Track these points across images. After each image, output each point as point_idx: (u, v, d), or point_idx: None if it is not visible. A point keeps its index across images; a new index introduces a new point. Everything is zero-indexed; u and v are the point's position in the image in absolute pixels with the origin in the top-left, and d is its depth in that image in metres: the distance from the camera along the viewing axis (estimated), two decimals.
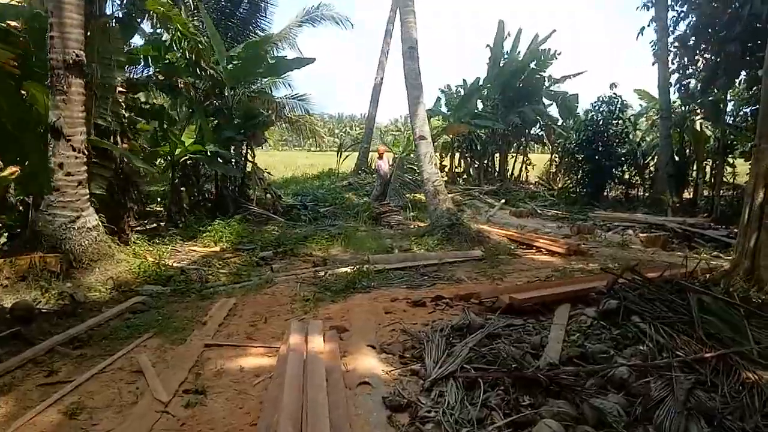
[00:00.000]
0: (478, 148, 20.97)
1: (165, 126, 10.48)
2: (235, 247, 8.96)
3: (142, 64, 11.89)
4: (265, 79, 21.79)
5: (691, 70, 13.81)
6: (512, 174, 23.38)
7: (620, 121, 16.43)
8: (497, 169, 22.68)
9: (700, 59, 13.07)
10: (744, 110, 14.68)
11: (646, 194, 16.79)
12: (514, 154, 23.97)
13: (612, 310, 5.59)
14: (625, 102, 16.39)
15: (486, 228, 10.88)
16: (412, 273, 7.81)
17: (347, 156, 22.17)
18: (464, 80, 21.62)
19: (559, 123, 23.01)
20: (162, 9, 9.53)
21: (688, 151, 16.53)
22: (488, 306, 6.01)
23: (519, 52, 21.43)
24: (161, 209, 11.87)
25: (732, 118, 15.43)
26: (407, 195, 15.11)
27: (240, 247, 8.91)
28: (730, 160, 15.32)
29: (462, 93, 21.10)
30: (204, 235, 9.39)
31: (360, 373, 4.17)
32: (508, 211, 14.42)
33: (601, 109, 16.29)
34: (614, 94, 16.28)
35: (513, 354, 4.38)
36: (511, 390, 3.83)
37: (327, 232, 10.40)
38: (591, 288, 6.20)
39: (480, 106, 22.26)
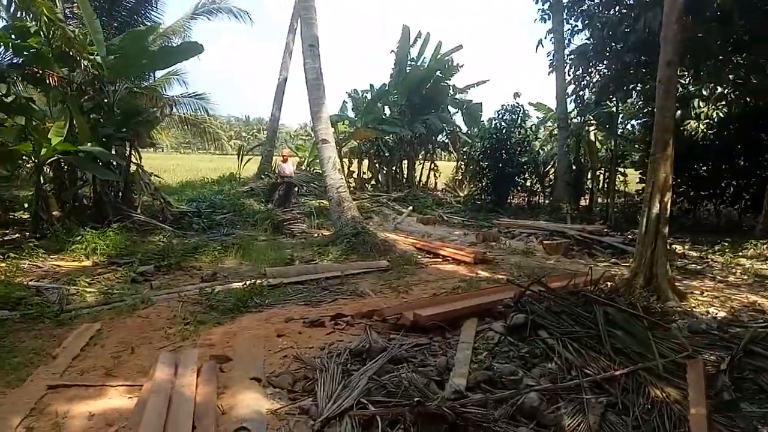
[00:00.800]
0: (386, 154, 20.70)
1: (34, 123, 9.13)
2: (111, 261, 7.88)
3: (2, 50, 10.40)
4: (159, 75, 20.32)
5: (586, 82, 14.32)
6: (420, 181, 23.39)
7: (522, 130, 16.81)
8: (405, 176, 22.57)
9: (595, 71, 13.55)
10: (632, 123, 15.49)
11: (547, 202, 17.30)
12: (422, 161, 24.05)
13: (519, 325, 5.32)
14: (526, 111, 16.83)
15: (392, 236, 10.49)
16: (312, 287, 7.20)
17: (249, 159, 21.06)
18: (371, 85, 21.35)
19: (464, 131, 23.36)
20: None
21: (583, 160, 17.21)
22: (393, 324, 5.56)
23: (424, 58, 21.50)
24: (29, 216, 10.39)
25: (621, 130, 16.24)
26: (313, 202, 14.46)
27: (116, 261, 7.84)
28: (622, 170, 16.11)
29: (369, 98, 20.76)
30: (74, 247, 8.20)
31: (239, 414, 3.52)
32: (415, 218, 14.19)
33: (504, 118, 16.57)
34: (517, 103, 16.66)
35: (416, 382, 3.91)
36: (412, 428, 3.34)
37: (221, 243, 9.52)
38: (498, 300, 5.93)
39: (387, 111, 22.10)
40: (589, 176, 17.24)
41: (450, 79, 22.00)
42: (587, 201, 17.29)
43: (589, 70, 13.85)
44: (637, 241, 7.13)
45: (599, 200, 16.91)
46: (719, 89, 10.92)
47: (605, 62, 13.08)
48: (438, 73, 21.46)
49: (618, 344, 4.74)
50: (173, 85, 24.41)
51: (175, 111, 22.39)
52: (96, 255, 8.14)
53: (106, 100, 10.74)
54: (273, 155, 20.08)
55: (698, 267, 9.49)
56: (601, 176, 17.03)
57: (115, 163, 10.48)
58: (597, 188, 16.81)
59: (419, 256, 9.39)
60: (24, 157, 9.39)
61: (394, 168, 22.47)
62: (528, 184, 17.36)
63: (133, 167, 11.35)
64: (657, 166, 6.80)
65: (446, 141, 23.47)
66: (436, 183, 23.30)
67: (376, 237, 9.45)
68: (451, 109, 23.32)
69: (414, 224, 13.58)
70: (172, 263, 8.03)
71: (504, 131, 16.19)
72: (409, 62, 21.50)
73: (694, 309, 6.46)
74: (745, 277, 8.75)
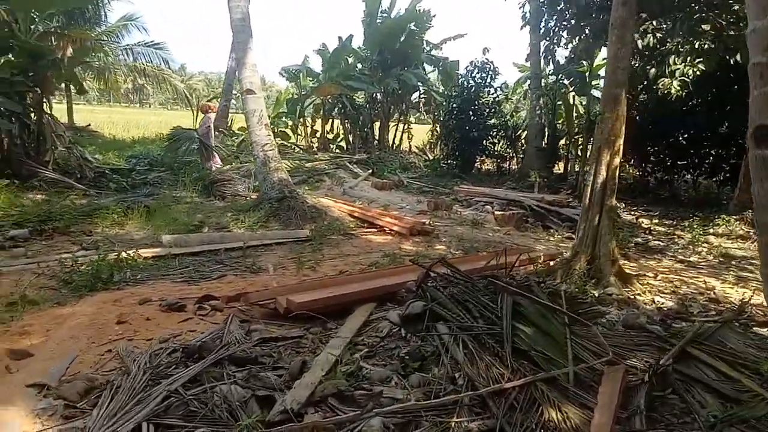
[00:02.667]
0: (351, 112, 19.43)
1: None
2: None
3: None
4: (114, 20, 18.81)
5: (559, 37, 13.10)
6: (393, 143, 22.22)
7: (492, 90, 15.64)
8: (376, 137, 21.39)
9: (568, 24, 12.33)
10: None
11: (516, 168, 16.29)
12: (396, 122, 22.79)
13: (416, 315, 4.40)
14: (496, 69, 15.59)
15: (327, 202, 9.49)
16: (206, 259, 6.25)
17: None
18: (339, 37, 19.87)
19: (441, 90, 22.07)
20: None
21: (559, 124, 16.14)
22: (271, 310, 4.63)
23: (399, 10, 20.07)
24: None
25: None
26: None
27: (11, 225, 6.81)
28: None
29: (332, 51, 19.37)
30: None
31: None
32: (371, 183, 13.17)
33: (473, 76, 15.36)
34: (486, 59, 15.43)
35: (232, 398, 2.99)
36: None
37: (133, 204, 8.48)
38: (403, 283, 5.01)
39: (359, 67, 20.74)
40: (564, 142, 16.19)
41: (425, 33, 20.62)
42: (562, 168, 16.30)
43: (563, 23, 12.62)
44: (580, 215, 6.18)
45: (576, 168, 15.92)
46: (697, 44, 9.80)
47: (576, 13, 11.86)
48: (412, 25, 20.04)
49: (523, 345, 3.83)
50: (132, 32, 22.90)
51: (126, 59, 21.08)
52: None
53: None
54: (229, 110, 18.80)
55: (662, 244, 8.59)
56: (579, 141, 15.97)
57: (16, 113, 9.29)
58: (574, 155, 15.74)
59: (352, 226, 8.41)
60: None
61: (365, 129, 21.27)
62: (498, 148, 16.26)
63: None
64: (604, 127, 5.79)
65: (421, 101, 22.19)
66: (410, 146, 22.15)
67: (305, 203, 8.44)
68: (428, 68, 21.99)
69: (368, 189, 12.58)
70: (58, 227, 7.01)
71: (472, 91, 15.00)
72: (380, 14, 20.06)
73: (638, 297, 5.56)
74: (710, 257, 7.87)
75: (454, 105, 15.27)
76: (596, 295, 5.38)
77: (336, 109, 19.73)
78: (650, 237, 9.00)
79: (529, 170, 14.59)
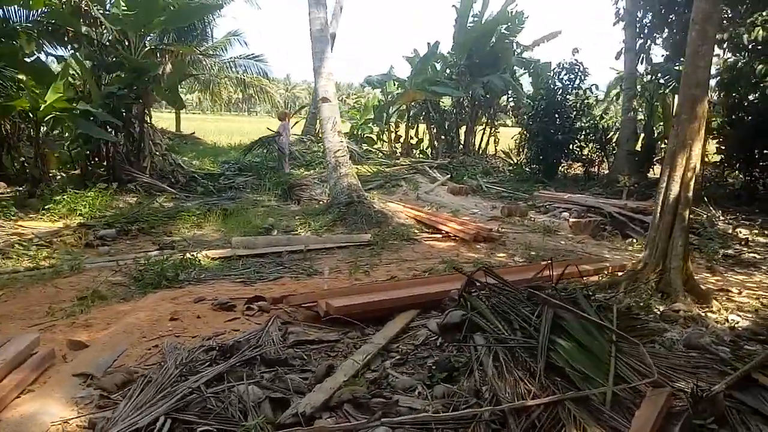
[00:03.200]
0: (435, 117, 19.32)
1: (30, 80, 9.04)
2: (82, 223, 7.61)
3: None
4: (220, 37, 20.08)
5: (657, 34, 12.24)
6: (480, 147, 21.84)
7: (580, 91, 14.89)
8: (461, 142, 21.15)
9: (666, 20, 11.48)
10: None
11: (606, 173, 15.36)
12: (484, 127, 22.34)
13: (454, 324, 4.33)
14: (585, 69, 14.79)
15: (394, 207, 9.53)
16: (269, 261, 6.51)
17: (297, 122, 20.57)
18: (428, 44, 19.89)
19: (532, 93, 21.38)
20: None
21: (656, 127, 15.06)
22: (314, 313, 4.74)
23: (491, 12, 19.72)
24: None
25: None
26: None
27: (87, 224, 7.55)
28: None
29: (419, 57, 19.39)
30: (51, 207, 8.03)
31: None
32: (447, 188, 13.04)
33: (561, 77, 14.74)
34: (575, 60, 14.73)
35: (249, 398, 3.09)
36: None
37: (214, 207, 9.05)
38: (448, 291, 4.92)
39: (446, 72, 20.63)
40: (662, 145, 15.05)
41: (516, 36, 20.12)
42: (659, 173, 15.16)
43: (659, 18, 11.79)
44: (650, 225, 5.73)
45: None
46: None
47: (676, 9, 11.01)
48: (503, 28, 19.65)
49: (559, 361, 3.63)
50: (234, 45, 24.43)
51: (231, 71, 22.44)
52: (73, 216, 7.93)
53: (115, 59, 10.50)
54: (317, 117, 19.41)
55: (758, 257, 7.76)
56: None
57: (121, 123, 10.23)
58: None
59: (417, 231, 8.39)
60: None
61: (450, 134, 21.10)
62: (586, 152, 15.42)
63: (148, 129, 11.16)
64: (680, 130, 5.34)
65: (510, 105, 21.64)
66: (496, 150, 21.65)
67: (372, 207, 8.54)
68: (519, 71, 21.41)
69: (443, 194, 12.47)
70: (143, 228, 7.64)
71: (560, 92, 14.38)
72: (472, 17, 19.83)
73: (710, 314, 5.06)
74: None
75: (539, 107, 14.71)
76: (660, 311, 4.97)
77: (421, 114, 19.73)
78: (745, 249, 8.15)
79: (619, 175, 13.74)
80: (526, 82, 22.74)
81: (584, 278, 6.02)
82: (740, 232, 9.26)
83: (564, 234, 8.87)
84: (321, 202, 10.15)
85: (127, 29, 11.01)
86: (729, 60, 11.61)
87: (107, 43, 11.26)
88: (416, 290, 4.93)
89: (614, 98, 16.08)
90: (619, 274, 6.19)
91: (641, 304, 5.11)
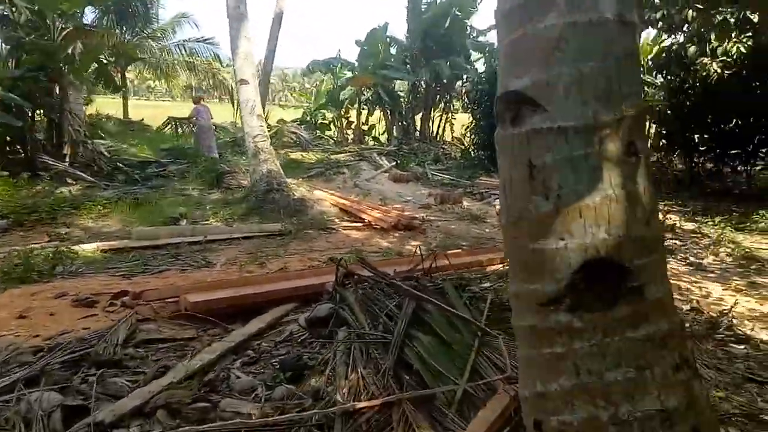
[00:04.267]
0: (389, 103, 19.00)
1: None
2: None
3: None
4: (168, 18, 19.26)
5: None
6: (436, 134, 21.62)
7: None
8: (417, 128, 20.90)
9: None
10: None
11: None
12: (441, 114, 22.08)
13: (321, 319, 4.10)
14: None
15: (319, 195, 9.25)
16: (164, 253, 6.17)
17: None
18: (378, 26, 19.51)
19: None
20: None
21: None
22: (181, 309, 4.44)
23: None
24: None
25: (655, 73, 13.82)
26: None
27: None
28: None
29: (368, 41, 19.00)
30: None
31: None
32: (388, 175, 12.78)
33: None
34: None
35: (40, 407, 2.78)
36: None
37: (131, 196, 8.65)
38: (325, 283, 4.67)
39: (401, 56, 20.30)
40: None
41: (469, 18, 19.91)
42: None
43: None
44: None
45: None
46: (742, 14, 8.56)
47: None
48: (455, 10, 19.38)
49: (412, 357, 3.41)
50: (183, 27, 23.65)
51: (178, 56, 21.74)
52: None
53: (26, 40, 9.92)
54: (266, 101, 18.90)
55: (679, 243, 7.69)
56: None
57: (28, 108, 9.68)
58: None
59: (336, 220, 8.13)
60: None
61: (406, 120, 20.84)
62: None
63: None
64: None
65: (464, 90, 21.41)
66: (452, 137, 21.46)
67: (291, 195, 8.24)
68: (475, 55, 21.17)
69: (384, 182, 12.22)
70: (42, 219, 7.21)
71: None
72: (426, 0, 19.54)
73: None
74: (730, 260, 6.94)
75: (482, 92, 14.46)
76: None
77: (374, 100, 19.37)
78: (668, 235, 8.07)
79: None
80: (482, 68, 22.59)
81: (487, 267, 5.85)
82: (669, 219, 9.20)
83: (492, 221, 8.69)
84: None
85: (43, 8, 10.41)
86: (663, 41, 11.52)
87: (21, 23, 10.66)
88: (295, 282, 4.66)
89: None
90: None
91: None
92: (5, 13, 10.45)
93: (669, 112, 12.25)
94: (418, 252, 6.51)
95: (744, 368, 3.81)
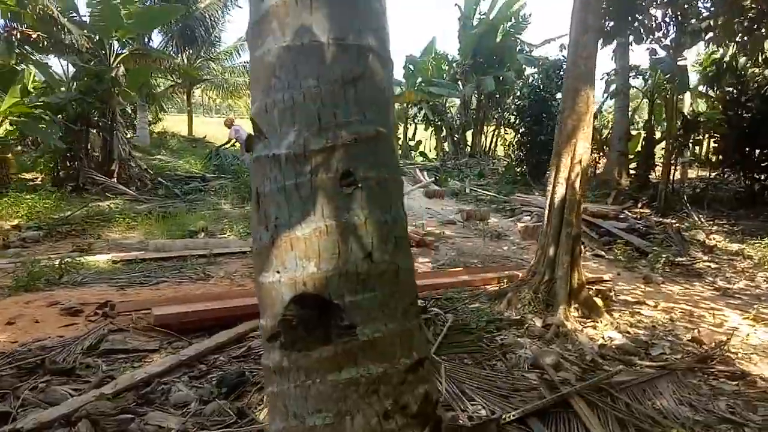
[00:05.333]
0: (434, 119, 18.90)
1: None
2: (18, 225, 7.72)
3: None
4: (230, 42, 20.15)
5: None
6: (489, 149, 21.28)
7: None
8: (468, 144, 20.65)
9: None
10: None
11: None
12: (494, 128, 21.69)
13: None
14: None
15: None
16: (170, 265, 6.39)
17: None
18: (429, 44, 19.53)
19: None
20: None
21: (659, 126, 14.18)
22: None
23: (496, 11, 19.18)
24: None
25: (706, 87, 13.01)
26: None
27: (20, 225, 7.67)
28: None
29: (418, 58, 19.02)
30: None
31: None
32: (423, 191, 12.64)
33: (548, 73, 14.07)
34: (563, 56, 14.01)
35: None
36: None
37: (165, 210, 9.07)
38: None
39: (450, 72, 20.21)
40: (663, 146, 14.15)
41: (521, 33, 19.56)
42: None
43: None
44: (540, 231, 5.28)
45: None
46: None
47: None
48: (507, 25, 19.11)
49: None
50: (246, 51, 24.73)
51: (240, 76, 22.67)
52: (12, 218, 8.06)
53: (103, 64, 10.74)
54: None
55: (712, 266, 7.09)
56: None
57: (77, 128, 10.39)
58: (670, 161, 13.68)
59: None
60: None
61: (455, 135, 20.65)
62: None
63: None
64: (565, 128, 4.88)
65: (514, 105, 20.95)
66: (505, 151, 21.00)
67: None
68: (530, 70, 20.72)
69: (417, 198, 12.10)
70: (73, 230, 7.69)
71: (546, 90, 13.68)
72: (479, 16, 19.37)
73: (590, 330, 4.59)
74: (766, 285, 6.31)
75: (525, 107, 14.04)
76: (534, 324, 4.54)
77: (419, 115, 19.36)
78: (704, 257, 7.47)
79: (607, 177, 13.00)
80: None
81: (480, 287, 5.64)
82: (713, 239, 8.53)
83: (512, 239, 8.40)
84: None
85: (100, 35, 11.22)
86: (714, 53, 10.76)
87: (83, 50, 11.52)
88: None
89: (608, 96, 15.22)
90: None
91: (515, 317, 4.70)
92: (72, 41, 11.29)
93: (725, 126, 11.41)
94: (435, 268, 6.39)
95: (725, 407, 3.43)
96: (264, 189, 1.54)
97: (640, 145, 14.09)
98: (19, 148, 11.61)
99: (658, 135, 14.02)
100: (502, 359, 3.95)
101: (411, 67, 18.23)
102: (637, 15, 8.14)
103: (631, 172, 13.74)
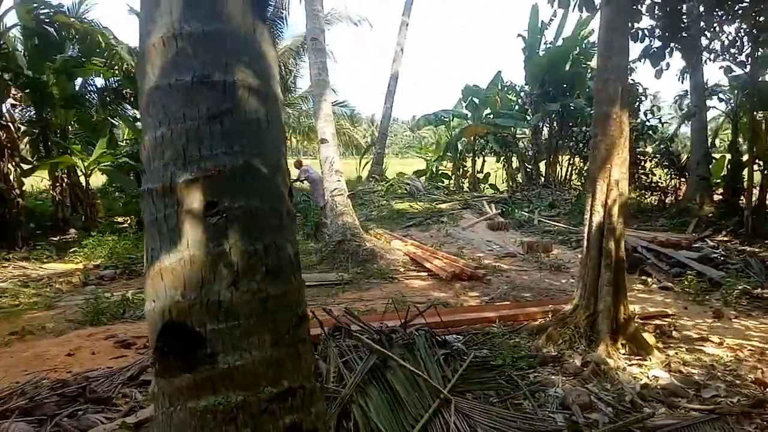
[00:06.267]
0: (502, 150, 18.63)
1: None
2: (96, 265, 8.43)
3: None
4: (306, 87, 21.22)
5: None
6: (565, 178, 20.61)
7: (645, 114, 13.46)
8: (542, 174, 20.13)
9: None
10: None
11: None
12: (569, 157, 21.02)
13: None
14: (646, 89, 13.35)
15: (398, 244, 9.30)
16: None
17: (368, 161, 20.90)
18: (497, 75, 19.45)
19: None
20: None
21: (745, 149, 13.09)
22: None
23: (561, 36, 18.87)
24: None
25: None
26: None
27: (99, 265, 8.36)
28: None
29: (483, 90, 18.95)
30: (77, 250, 8.98)
31: None
32: (486, 224, 12.40)
33: None
34: (632, 80, 13.38)
35: None
36: None
37: None
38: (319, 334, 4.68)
39: (519, 103, 19.98)
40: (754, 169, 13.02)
41: (591, 59, 18.98)
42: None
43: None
44: (581, 262, 5.01)
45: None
46: None
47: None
48: (575, 53, 18.69)
49: (357, 416, 3.32)
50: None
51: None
52: (94, 259, 8.79)
53: None
54: (383, 156, 19.64)
55: None
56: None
57: None
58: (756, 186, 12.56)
59: (402, 269, 8.11)
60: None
61: (527, 166, 20.22)
62: (659, 179, 13.71)
63: None
64: (599, 153, 4.67)
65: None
66: (580, 182, 20.24)
67: (362, 246, 8.44)
68: None
69: (480, 230, 11.90)
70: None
71: None
72: (545, 45, 19.14)
73: (634, 368, 4.26)
74: None
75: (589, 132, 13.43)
76: (571, 361, 4.28)
77: (486, 148, 19.18)
78: None
79: (689, 204, 12.12)
80: None
81: (524, 321, 5.41)
82: None
83: (573, 272, 8.02)
84: None
85: None
86: None
87: None
88: None
89: (682, 119, 14.23)
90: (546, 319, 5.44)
91: (553, 353, 4.47)
92: None
93: None
94: (481, 302, 6.28)
95: None
96: (145, 221, 1.63)
97: (725, 168, 13.11)
98: (117, 194, 12.66)
99: (746, 158, 12.97)
100: (530, 398, 3.76)
101: (475, 100, 18.20)
102: (687, 33, 7.65)
103: (718, 198, 12.78)
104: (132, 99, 13.05)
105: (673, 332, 5.20)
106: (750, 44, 9.80)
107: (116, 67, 11.14)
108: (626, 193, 4.72)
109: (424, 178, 19.85)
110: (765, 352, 4.73)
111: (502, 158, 19.98)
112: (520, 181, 20.30)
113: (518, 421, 3.39)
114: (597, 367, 4.18)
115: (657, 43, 7.47)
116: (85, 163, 10.12)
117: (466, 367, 3.75)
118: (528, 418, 3.45)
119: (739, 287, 6.43)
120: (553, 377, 4.10)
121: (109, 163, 10.37)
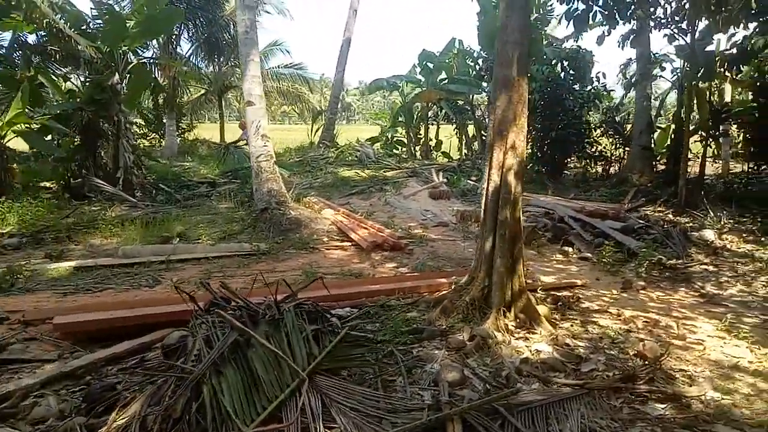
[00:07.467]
0: (452, 117, 18.39)
1: None
2: (3, 232, 7.94)
3: None
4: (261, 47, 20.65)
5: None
6: None
7: (597, 79, 13.33)
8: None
9: None
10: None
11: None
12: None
13: (174, 348, 3.89)
14: (592, 55, 13.19)
15: (328, 213, 9.04)
16: (126, 272, 6.36)
17: (319, 128, 20.35)
18: (455, 40, 19.00)
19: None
20: None
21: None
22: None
23: None
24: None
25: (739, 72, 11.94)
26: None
27: (11, 233, 7.88)
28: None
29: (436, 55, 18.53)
30: None
31: None
32: (428, 192, 12.21)
33: (564, 66, 13.31)
34: (579, 47, 13.26)
35: None
36: None
37: (155, 215, 9.13)
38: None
39: (475, 68, 19.65)
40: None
41: (546, 26, 18.71)
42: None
43: None
44: (479, 232, 4.86)
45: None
46: None
47: None
48: (532, 18, 18.35)
49: (206, 396, 3.10)
50: (276, 54, 24.99)
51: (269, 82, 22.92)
52: (5, 226, 8.29)
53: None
54: (335, 122, 19.18)
55: (709, 269, 6.42)
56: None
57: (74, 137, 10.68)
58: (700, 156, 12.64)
59: (326, 239, 7.88)
60: None
61: (485, 134, 20.03)
62: (604, 148, 13.68)
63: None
64: (496, 120, 4.46)
65: None
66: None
67: (286, 214, 8.15)
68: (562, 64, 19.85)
69: (420, 199, 11.71)
70: (57, 237, 7.83)
71: (564, 83, 12.93)
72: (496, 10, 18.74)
73: (520, 341, 4.15)
74: (763, 291, 5.62)
75: (539, 101, 13.28)
76: (460, 336, 4.14)
77: (438, 114, 18.90)
78: (704, 259, 6.76)
79: (629, 174, 12.14)
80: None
81: (425, 294, 5.26)
82: (725, 240, 7.74)
83: None
84: None
85: (108, 45, 11.49)
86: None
87: (94, 61, 11.86)
88: (171, 307, 4.48)
89: (625, 86, 14.21)
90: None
91: (443, 327, 4.33)
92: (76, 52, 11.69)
93: (755, 115, 10.43)
94: (397, 272, 6.10)
95: None
96: None
97: (669, 138, 13.14)
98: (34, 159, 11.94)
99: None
100: (404, 375, 3.61)
101: (430, 65, 17.78)
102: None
103: (662, 168, 12.84)
104: (59, 57, 12.32)
105: (576, 304, 5.12)
106: (691, 12, 9.65)
107: (37, 22, 10.41)
108: (523, 158, 4.54)
109: (378, 145, 19.48)
110: (658, 324, 4.68)
111: (455, 125, 19.73)
112: (476, 149, 20.15)
113: (381, 401, 3.24)
114: (482, 341, 4.05)
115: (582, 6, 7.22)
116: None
117: (337, 344, 3.55)
118: (390, 397, 3.30)
119: (655, 258, 6.40)
120: (436, 352, 3.97)
121: (25, 125, 9.75)
